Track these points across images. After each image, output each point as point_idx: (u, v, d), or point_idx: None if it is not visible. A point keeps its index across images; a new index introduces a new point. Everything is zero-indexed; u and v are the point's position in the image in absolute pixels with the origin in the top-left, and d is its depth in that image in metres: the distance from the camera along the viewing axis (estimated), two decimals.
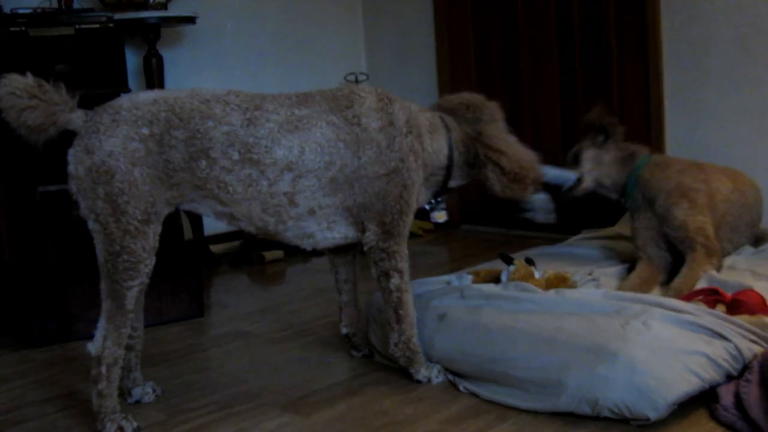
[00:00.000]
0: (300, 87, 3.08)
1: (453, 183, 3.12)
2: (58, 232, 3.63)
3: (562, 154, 5.26)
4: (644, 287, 3.40)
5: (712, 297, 3.02)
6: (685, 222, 3.47)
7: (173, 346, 3.57)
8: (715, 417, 2.46)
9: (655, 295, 3.07)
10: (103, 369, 2.60)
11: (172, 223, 3.42)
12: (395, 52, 6.19)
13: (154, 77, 4.93)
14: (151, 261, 2.62)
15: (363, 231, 2.89)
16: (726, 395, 2.48)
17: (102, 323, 2.61)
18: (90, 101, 2.67)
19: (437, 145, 3.00)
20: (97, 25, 4.33)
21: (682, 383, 2.45)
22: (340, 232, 2.90)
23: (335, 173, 2.78)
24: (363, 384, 2.99)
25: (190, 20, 4.97)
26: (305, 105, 2.80)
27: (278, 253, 5.19)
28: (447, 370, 2.95)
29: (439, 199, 3.17)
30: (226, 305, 4.25)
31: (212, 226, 4.91)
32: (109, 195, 2.52)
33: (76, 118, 2.59)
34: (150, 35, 4.89)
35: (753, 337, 2.71)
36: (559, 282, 3.30)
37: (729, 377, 2.58)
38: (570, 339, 2.64)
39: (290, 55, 5.93)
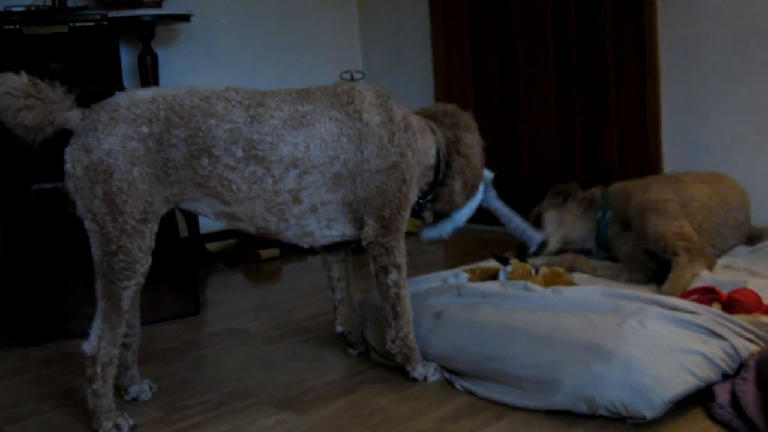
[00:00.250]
0: (295, 85, 3.07)
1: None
2: (53, 229, 3.63)
3: (556, 152, 5.29)
4: None
5: (708, 296, 3.02)
6: (660, 232, 3.52)
7: (169, 344, 3.57)
8: (711, 415, 2.46)
9: (652, 293, 3.06)
10: (99, 369, 2.59)
11: (167, 221, 3.42)
12: (391, 51, 6.18)
13: (148, 75, 4.92)
14: (147, 261, 2.61)
15: (361, 227, 2.90)
16: (722, 394, 2.48)
17: (97, 323, 2.60)
18: (85, 99, 2.65)
19: (427, 144, 3.02)
20: (92, 23, 4.34)
21: (678, 382, 2.46)
22: (338, 230, 2.90)
23: (339, 168, 2.78)
24: (359, 382, 2.99)
25: (185, 18, 4.97)
26: (307, 101, 2.80)
27: (274, 251, 5.19)
28: (443, 368, 2.95)
29: (426, 199, 3.18)
30: (222, 303, 4.25)
31: (208, 224, 4.91)
32: (107, 194, 2.51)
33: (73, 116, 2.58)
34: (144, 33, 4.89)
35: (749, 336, 2.71)
36: (555, 278, 3.31)
37: (725, 376, 2.59)
38: (566, 337, 2.64)
39: (285, 53, 5.92)
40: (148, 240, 2.59)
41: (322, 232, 2.89)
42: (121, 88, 4.23)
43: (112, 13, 4.54)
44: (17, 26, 4.12)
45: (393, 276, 2.91)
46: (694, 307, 2.77)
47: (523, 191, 4.14)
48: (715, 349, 2.58)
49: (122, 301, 2.58)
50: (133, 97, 2.62)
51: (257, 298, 4.36)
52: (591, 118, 5.14)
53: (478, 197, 3.25)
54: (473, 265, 3.63)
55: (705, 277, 3.33)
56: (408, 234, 3.03)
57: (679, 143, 4.70)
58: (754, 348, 2.67)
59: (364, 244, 2.91)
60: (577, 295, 2.96)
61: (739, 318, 2.81)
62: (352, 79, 5.80)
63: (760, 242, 3.75)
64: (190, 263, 4.03)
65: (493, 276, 3.35)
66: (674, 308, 2.76)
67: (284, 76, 5.81)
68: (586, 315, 2.72)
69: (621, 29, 4.91)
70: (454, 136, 3.10)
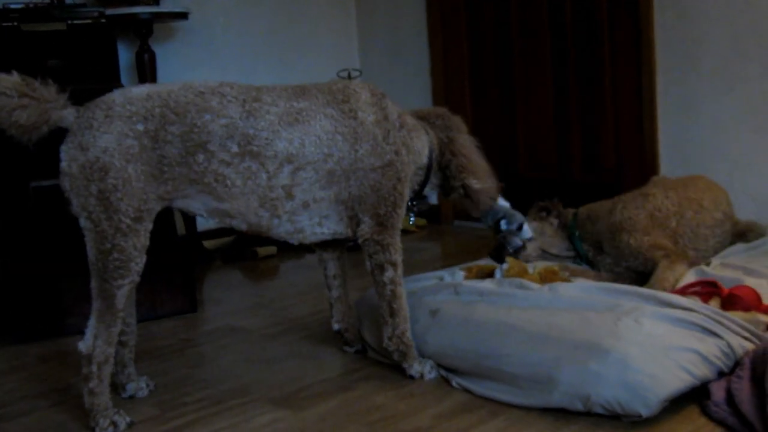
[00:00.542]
0: (292, 82, 3.08)
1: (426, 189, 3.17)
2: (51, 227, 3.63)
3: (554, 151, 5.30)
4: None
5: (708, 289, 3.03)
6: (634, 248, 3.55)
7: (166, 342, 3.58)
8: (706, 413, 2.47)
9: (650, 289, 3.07)
10: (94, 368, 2.59)
11: (165, 218, 3.42)
12: (389, 49, 6.19)
13: (146, 73, 4.92)
14: (141, 259, 2.61)
15: (357, 224, 2.90)
16: (717, 391, 2.49)
17: (92, 322, 2.60)
18: (82, 96, 2.65)
19: (421, 144, 3.03)
20: (90, 21, 4.35)
21: (673, 380, 2.46)
22: (329, 228, 2.91)
23: (333, 165, 2.78)
24: (355, 379, 3.00)
25: (183, 16, 4.97)
26: (303, 98, 2.80)
27: (271, 249, 5.20)
28: (440, 365, 2.95)
29: (415, 202, 3.19)
30: (219, 301, 4.26)
31: (205, 221, 4.91)
32: (102, 192, 2.51)
33: (68, 114, 2.57)
34: (142, 31, 4.89)
35: (746, 334, 2.72)
36: (551, 276, 3.32)
37: (720, 374, 2.59)
38: (562, 335, 2.64)
39: (283, 51, 5.93)
40: (143, 238, 2.59)
41: (313, 230, 2.89)
42: (119, 86, 4.20)
43: (110, 11, 4.54)
44: (15, 23, 4.13)
45: (389, 273, 2.91)
46: (691, 304, 2.77)
47: (522, 191, 4.15)
48: (710, 347, 2.59)
49: (117, 300, 2.58)
50: (127, 94, 2.61)
51: (254, 295, 4.37)
52: (588, 118, 5.15)
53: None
54: (470, 264, 3.63)
55: (705, 272, 3.36)
56: (404, 232, 3.04)
57: (676, 143, 4.70)
58: (749, 346, 2.68)
59: (360, 241, 2.92)
60: (574, 293, 2.96)
61: (737, 315, 2.81)
62: (349, 77, 5.81)
63: (754, 238, 3.76)
64: (187, 261, 4.04)
65: (490, 274, 3.35)
66: (671, 305, 2.77)
67: (282, 74, 5.81)
68: (583, 313, 2.73)
69: (618, 29, 4.91)
70: (446, 137, 3.11)
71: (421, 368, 2.94)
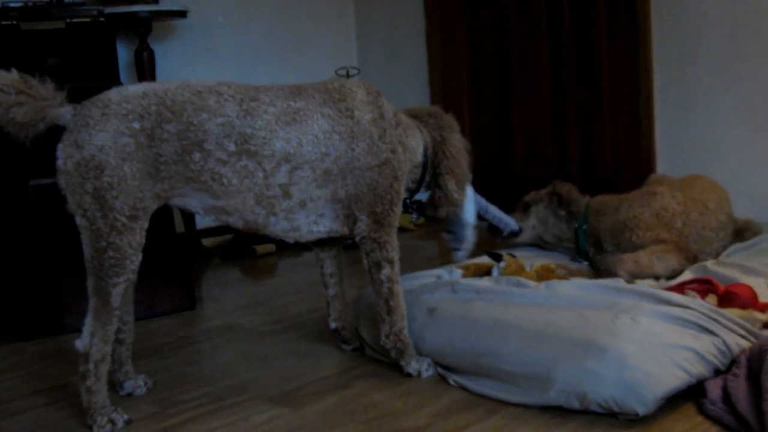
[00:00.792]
0: (291, 81, 3.09)
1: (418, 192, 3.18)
2: (50, 225, 3.64)
3: (551, 149, 5.30)
4: None
5: (705, 287, 3.04)
6: (637, 245, 3.55)
7: (165, 339, 3.58)
8: (702, 411, 2.47)
9: (648, 286, 3.08)
10: (91, 366, 2.60)
11: (163, 216, 3.43)
12: (386, 47, 6.19)
13: (145, 71, 4.92)
14: (137, 258, 2.61)
15: (353, 222, 2.91)
16: (714, 389, 2.50)
17: (89, 320, 2.60)
18: (81, 95, 2.65)
19: (415, 142, 3.04)
20: (89, 19, 4.34)
21: (670, 378, 2.47)
22: (325, 226, 2.91)
23: (330, 164, 2.79)
24: (353, 377, 3.01)
25: (182, 14, 4.97)
26: (300, 97, 2.81)
27: (270, 247, 5.20)
28: (437, 363, 2.96)
29: (412, 200, 3.19)
30: (217, 298, 4.26)
31: (204, 219, 4.91)
32: (98, 190, 2.51)
33: (65, 112, 2.57)
34: (141, 29, 4.88)
35: (742, 332, 2.73)
36: (548, 273, 3.33)
37: (717, 372, 2.60)
38: (559, 333, 2.65)
39: (281, 50, 5.93)
40: (139, 236, 2.59)
41: (310, 228, 2.89)
42: (118, 84, 4.22)
43: (108, 9, 4.54)
44: (15, 22, 4.13)
45: (386, 271, 2.92)
46: (688, 302, 2.78)
47: (519, 189, 4.15)
48: (706, 345, 2.60)
49: (113, 298, 2.58)
50: (124, 92, 2.61)
51: (253, 293, 4.37)
52: (586, 117, 5.15)
53: (470, 193, 3.27)
54: (467, 262, 3.64)
55: (703, 269, 3.37)
56: (401, 230, 3.04)
57: (673, 142, 4.71)
58: (745, 344, 2.69)
59: (357, 239, 2.92)
60: (571, 291, 2.97)
61: (734, 313, 2.82)
62: (347, 75, 5.81)
63: (751, 237, 3.77)
64: (186, 258, 4.04)
65: (487, 272, 3.36)
66: (668, 302, 2.78)
67: (280, 72, 5.81)
68: (580, 311, 2.74)
69: (615, 29, 4.92)
70: (439, 136, 3.12)
71: (419, 366, 2.95)
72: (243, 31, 5.73)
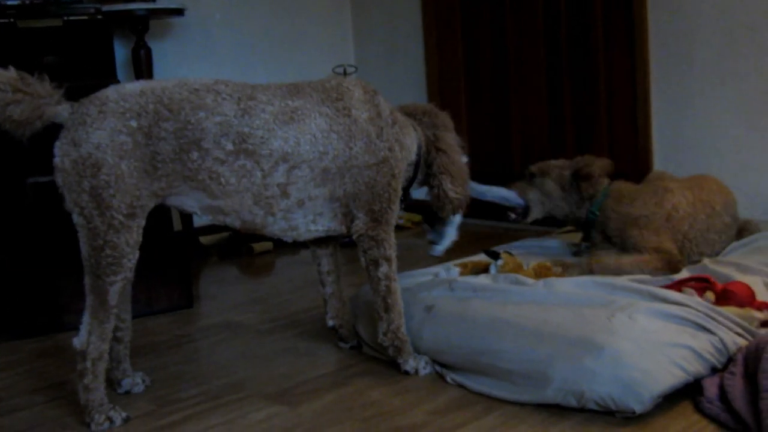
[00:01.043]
0: (288, 79, 3.09)
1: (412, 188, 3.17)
2: (48, 223, 3.64)
3: (548, 146, 5.30)
4: None
5: (702, 284, 3.04)
6: (640, 245, 3.49)
7: (162, 337, 3.58)
8: (699, 409, 2.48)
9: (645, 284, 3.08)
10: (89, 364, 2.60)
11: (161, 214, 3.43)
12: (384, 45, 6.19)
13: (142, 69, 4.92)
14: (134, 256, 2.61)
15: (351, 221, 2.91)
16: (710, 388, 2.50)
17: (86, 318, 2.60)
18: (79, 93, 2.65)
19: (410, 140, 3.04)
20: (86, 17, 4.34)
21: (667, 376, 2.47)
22: (323, 225, 2.91)
23: (328, 163, 2.79)
24: (350, 375, 3.01)
25: (179, 12, 4.97)
26: (297, 96, 2.81)
27: (267, 245, 5.21)
28: (434, 361, 2.97)
29: (402, 198, 3.20)
30: (215, 296, 4.26)
31: (202, 217, 4.92)
32: (95, 188, 2.51)
33: (62, 110, 2.57)
34: (138, 27, 4.88)
35: (739, 330, 2.73)
36: (545, 271, 3.33)
37: (713, 370, 2.61)
38: (556, 331, 2.65)
39: (279, 48, 5.93)
40: (136, 235, 2.59)
41: (308, 227, 2.89)
42: (116, 82, 4.22)
43: (106, 7, 4.54)
44: (12, 20, 4.12)
45: (383, 269, 2.92)
46: (685, 300, 2.79)
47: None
48: (703, 343, 2.60)
49: (110, 296, 2.58)
50: (121, 90, 2.61)
51: (250, 291, 4.37)
52: (582, 114, 5.15)
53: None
54: (464, 260, 3.64)
55: (701, 268, 3.38)
56: (398, 228, 3.05)
57: (670, 139, 4.72)
58: (742, 342, 2.69)
59: (354, 237, 2.93)
60: (569, 289, 2.97)
61: (731, 311, 2.82)
62: (345, 73, 5.81)
63: (748, 235, 3.77)
64: (183, 256, 4.04)
65: (485, 270, 3.36)
66: (665, 300, 2.79)
67: (278, 70, 5.82)
68: (577, 309, 2.74)
69: (611, 26, 4.92)
70: (433, 134, 3.11)
71: (416, 364, 2.95)
72: (240, 29, 5.73)
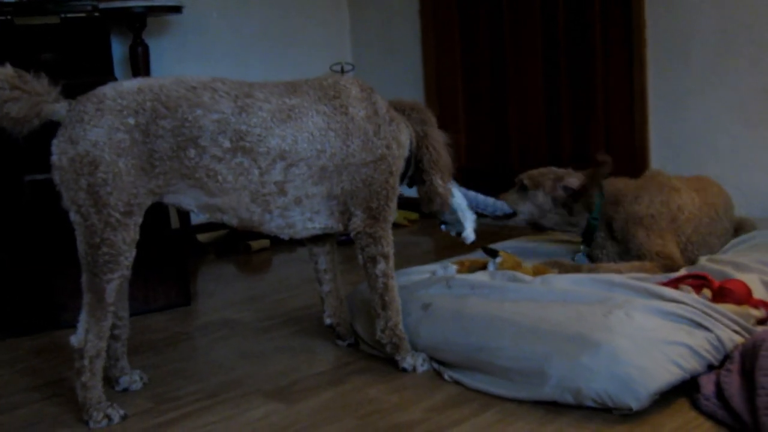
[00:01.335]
0: (286, 76, 3.09)
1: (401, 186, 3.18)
2: (46, 220, 3.64)
3: (545, 144, 5.31)
4: None
5: (699, 282, 3.04)
6: (642, 247, 3.46)
7: (160, 335, 3.58)
8: (696, 406, 2.49)
9: (642, 281, 3.08)
10: (86, 362, 2.60)
11: (158, 212, 3.43)
12: (381, 43, 6.19)
13: (140, 66, 4.92)
14: (131, 254, 2.61)
15: (348, 218, 2.91)
16: (707, 385, 2.51)
17: (83, 316, 2.61)
18: (76, 90, 2.65)
19: (404, 136, 3.04)
20: (83, 14, 4.34)
21: (663, 373, 2.48)
22: (320, 223, 2.92)
23: (325, 161, 2.79)
24: (348, 373, 3.01)
25: (176, 10, 4.97)
26: (294, 94, 2.81)
27: (265, 243, 5.21)
28: (432, 358, 2.97)
29: None
30: (212, 294, 4.27)
31: (199, 215, 4.92)
32: (92, 186, 2.51)
33: (60, 108, 2.57)
34: (136, 24, 4.88)
35: (736, 328, 2.74)
36: (543, 268, 3.33)
37: (710, 367, 2.61)
38: (553, 329, 2.66)
39: (276, 45, 5.93)
40: (133, 232, 2.60)
41: (305, 225, 2.90)
42: (113, 79, 4.19)
43: (103, 4, 4.54)
44: (9, 17, 4.12)
45: (381, 266, 2.93)
46: (682, 297, 2.79)
47: (513, 184, 4.15)
48: (700, 340, 2.61)
49: (107, 294, 2.58)
50: (119, 88, 2.61)
51: (248, 289, 4.38)
52: (579, 111, 5.16)
53: (455, 187, 3.25)
54: (462, 257, 3.64)
55: (698, 266, 3.37)
56: (395, 226, 3.05)
57: (666, 137, 4.72)
58: (738, 339, 2.70)
59: (352, 235, 2.93)
60: (566, 286, 2.98)
61: (728, 308, 2.83)
62: (342, 71, 5.81)
63: (743, 233, 3.77)
64: (180, 254, 4.04)
65: (482, 268, 3.36)
66: (662, 297, 2.79)
67: (274, 67, 5.82)
68: (574, 306, 2.75)
69: (609, 23, 4.93)
70: (422, 130, 3.10)
71: (414, 361, 2.95)
72: (237, 27, 5.73)
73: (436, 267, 3.47)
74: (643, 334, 2.56)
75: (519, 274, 3.15)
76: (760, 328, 2.80)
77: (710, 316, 2.71)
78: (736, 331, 2.73)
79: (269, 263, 4.96)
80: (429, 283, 3.18)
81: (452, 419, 2.56)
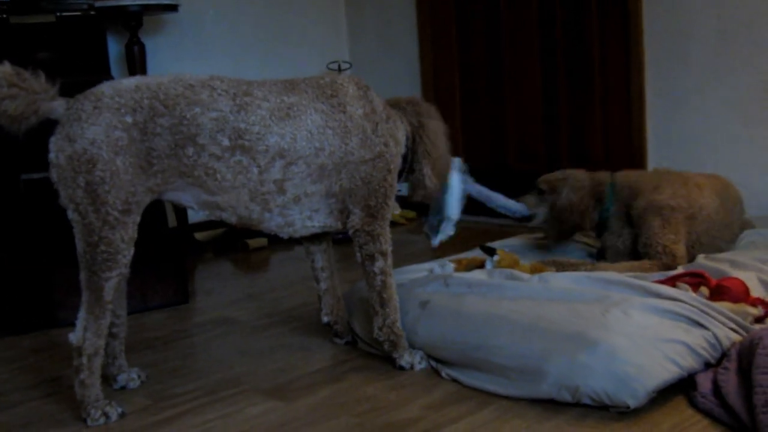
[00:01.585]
0: (282, 75, 3.09)
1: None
2: (42, 219, 3.64)
3: (542, 143, 5.32)
4: None
5: (696, 280, 3.05)
6: (653, 238, 3.46)
7: (158, 333, 3.59)
8: (693, 404, 2.49)
9: (640, 279, 3.08)
10: (84, 359, 2.60)
11: (156, 210, 3.43)
12: (378, 41, 6.19)
13: (136, 65, 4.92)
14: (129, 252, 2.61)
15: (347, 216, 2.92)
16: (704, 383, 2.51)
17: (82, 314, 2.61)
18: (72, 89, 2.65)
19: (401, 133, 3.04)
20: (79, 13, 4.33)
21: (661, 371, 2.48)
22: (319, 221, 2.92)
23: (324, 159, 2.79)
24: (346, 370, 3.02)
25: (172, 8, 4.97)
26: (293, 92, 2.81)
27: (262, 241, 5.21)
28: (429, 356, 2.97)
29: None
30: (210, 292, 4.27)
31: (196, 213, 4.92)
32: (90, 184, 2.51)
33: (58, 106, 2.57)
34: (132, 23, 4.88)
35: (732, 326, 2.74)
36: (541, 266, 3.34)
37: (707, 365, 2.62)
38: (551, 327, 2.66)
39: (273, 44, 5.93)
40: (131, 231, 2.60)
41: (304, 223, 2.90)
42: (109, 78, 4.19)
43: (99, 3, 4.53)
44: (4, 15, 4.11)
45: (379, 263, 2.93)
46: (679, 295, 2.80)
47: (510, 182, 4.16)
48: (697, 338, 2.61)
49: (105, 292, 2.59)
50: (116, 86, 2.61)
51: (245, 287, 4.38)
52: (577, 110, 5.17)
53: (457, 185, 3.25)
54: (459, 256, 3.65)
55: (696, 264, 3.38)
56: (392, 224, 3.05)
57: (664, 135, 4.73)
58: (735, 338, 2.70)
59: (350, 232, 2.93)
60: (564, 284, 2.98)
61: (725, 306, 2.83)
62: (339, 69, 5.81)
63: (741, 233, 3.78)
64: (178, 252, 4.04)
65: (480, 266, 3.37)
66: (659, 295, 2.79)
67: (271, 66, 5.82)
68: (571, 304, 2.75)
69: (607, 22, 4.93)
70: (417, 122, 3.09)
71: (411, 359, 2.96)
72: (234, 25, 5.73)
73: (433, 265, 3.47)
74: (641, 332, 2.56)
75: (517, 272, 3.16)
76: (757, 326, 2.81)
77: (707, 314, 2.72)
78: (733, 329, 2.74)
79: (267, 261, 4.97)
80: (427, 281, 3.18)
81: (449, 417, 2.56)
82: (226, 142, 2.65)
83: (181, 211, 5.03)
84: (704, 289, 3.00)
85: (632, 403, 2.43)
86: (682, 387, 2.56)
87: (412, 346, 3.00)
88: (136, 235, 2.62)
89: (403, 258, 4.09)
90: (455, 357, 2.86)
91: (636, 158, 4.80)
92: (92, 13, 4.36)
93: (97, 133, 2.52)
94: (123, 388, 2.93)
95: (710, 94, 4.51)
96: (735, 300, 2.93)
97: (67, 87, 2.65)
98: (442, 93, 5.75)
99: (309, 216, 2.88)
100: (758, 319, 2.89)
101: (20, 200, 3.71)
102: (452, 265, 3.42)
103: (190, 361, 3.23)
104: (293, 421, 2.61)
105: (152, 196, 2.66)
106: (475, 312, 2.87)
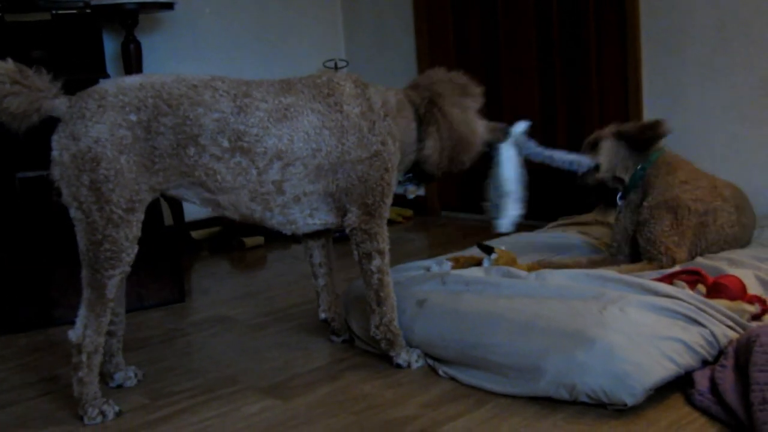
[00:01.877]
0: (279, 73, 3.10)
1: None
2: (38, 217, 3.63)
3: (540, 140, 5.31)
4: None
5: (693, 277, 3.05)
6: (658, 234, 3.42)
7: (154, 331, 3.59)
8: (690, 402, 2.49)
9: (637, 276, 3.08)
10: (84, 357, 2.60)
11: (152, 208, 3.42)
12: (374, 39, 6.19)
13: (132, 63, 4.91)
14: (133, 250, 2.62)
15: (344, 215, 2.92)
16: (701, 380, 2.51)
17: (82, 311, 2.61)
18: (68, 87, 2.64)
19: (405, 122, 3.03)
20: (75, 11, 4.33)
21: (658, 369, 2.48)
22: (320, 219, 2.92)
23: (321, 160, 2.79)
24: (343, 368, 3.02)
25: (168, 6, 4.96)
26: (289, 93, 2.81)
27: (259, 239, 5.21)
28: (427, 354, 2.97)
29: (408, 174, 3.18)
30: (206, 290, 4.27)
31: (193, 211, 4.92)
32: (94, 182, 2.51)
33: (60, 104, 2.57)
34: (128, 21, 4.88)
35: (730, 323, 2.75)
36: (538, 266, 3.34)
37: (704, 363, 2.62)
38: (548, 325, 2.66)
39: (269, 42, 5.93)
40: (135, 229, 2.60)
41: (305, 221, 2.90)
42: (105, 76, 4.22)
43: (95, 1, 4.53)
44: (0, 14, 4.11)
45: (376, 262, 2.93)
46: (676, 292, 2.80)
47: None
48: (694, 336, 2.62)
49: (107, 290, 2.59)
50: (120, 84, 2.61)
51: (242, 285, 4.38)
52: (574, 107, 5.17)
53: (511, 156, 3.20)
54: (457, 254, 3.65)
55: (693, 262, 3.38)
56: (391, 222, 3.05)
57: None
58: (733, 335, 2.71)
59: (347, 231, 2.93)
60: (561, 282, 2.98)
61: (722, 304, 2.83)
62: (336, 67, 5.81)
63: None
64: (174, 251, 4.04)
65: (477, 264, 3.37)
66: (656, 293, 2.80)
67: (267, 64, 5.82)
68: (568, 302, 2.75)
69: (603, 21, 4.93)
70: (428, 92, 3.08)
71: (409, 357, 2.96)
72: (230, 23, 5.73)
73: (431, 263, 3.47)
74: (638, 329, 2.56)
75: (514, 270, 3.15)
76: (754, 324, 2.81)
77: (704, 311, 2.72)
78: (730, 327, 2.74)
79: (263, 260, 4.96)
80: (424, 279, 3.18)
81: (447, 415, 2.56)
82: (226, 144, 2.65)
83: (177, 209, 5.02)
84: (701, 287, 3.00)
85: (629, 401, 2.43)
86: (680, 384, 2.56)
87: (410, 344, 3.00)
88: (139, 234, 2.62)
89: (400, 256, 4.09)
90: (452, 355, 2.86)
91: None
92: (88, 11, 4.36)
93: (101, 131, 2.51)
94: (120, 386, 2.93)
95: (707, 92, 4.51)
96: (732, 297, 2.93)
97: (63, 85, 2.64)
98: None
99: (310, 214, 2.88)
100: (755, 317, 2.89)
101: (16, 199, 3.70)
102: (450, 263, 3.42)
103: (187, 360, 3.23)
104: (290, 419, 2.61)
105: (155, 194, 2.67)
106: (473, 310, 2.87)
